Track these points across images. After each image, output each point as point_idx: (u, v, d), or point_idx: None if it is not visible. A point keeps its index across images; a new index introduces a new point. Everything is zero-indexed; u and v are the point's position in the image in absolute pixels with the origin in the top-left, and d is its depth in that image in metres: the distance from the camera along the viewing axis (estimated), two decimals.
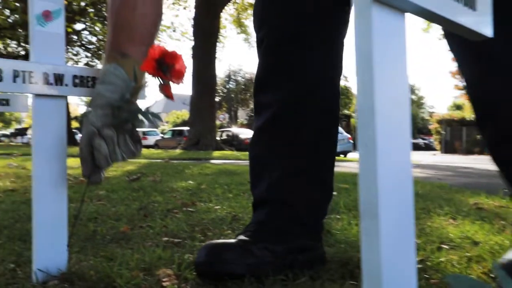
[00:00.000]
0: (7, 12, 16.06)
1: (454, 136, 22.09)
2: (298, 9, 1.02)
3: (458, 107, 37.94)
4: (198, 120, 12.77)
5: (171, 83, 0.86)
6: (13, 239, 1.26)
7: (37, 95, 0.94)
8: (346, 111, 33.56)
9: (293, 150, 1.03)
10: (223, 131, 19.83)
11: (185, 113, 29.99)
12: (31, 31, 0.94)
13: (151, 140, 21.00)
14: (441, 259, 1.06)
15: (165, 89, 0.85)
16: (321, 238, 1.06)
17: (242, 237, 0.97)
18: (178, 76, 0.84)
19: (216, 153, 10.16)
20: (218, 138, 14.90)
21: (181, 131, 20.28)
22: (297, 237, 0.99)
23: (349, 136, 16.71)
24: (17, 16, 15.48)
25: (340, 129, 16.72)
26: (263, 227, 0.99)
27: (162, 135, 22.57)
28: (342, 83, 36.69)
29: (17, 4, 14.92)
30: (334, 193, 2.38)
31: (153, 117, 0.88)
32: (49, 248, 0.93)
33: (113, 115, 0.86)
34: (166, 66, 0.82)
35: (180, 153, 9.93)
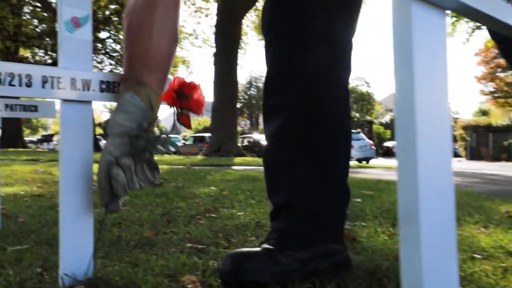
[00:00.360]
0: (35, 22, 16.53)
1: (480, 142, 21.61)
2: (305, 11, 1.01)
3: (484, 112, 37.11)
4: (220, 127, 12.83)
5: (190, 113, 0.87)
6: (40, 243, 1.27)
7: (65, 101, 0.95)
8: (368, 117, 33.21)
9: (307, 155, 1.01)
10: (244, 138, 19.87)
11: (206, 120, 30.19)
12: (59, 37, 0.95)
13: None
14: (475, 270, 1.03)
15: (183, 119, 0.85)
16: (344, 242, 1.04)
17: (266, 245, 0.95)
18: (197, 106, 0.84)
19: (238, 159, 10.18)
20: (239, 145, 14.93)
21: (203, 137, 20.39)
22: (319, 242, 0.97)
23: (371, 142, 16.51)
24: (44, 25, 15.92)
25: (362, 135, 16.53)
26: (285, 235, 0.98)
27: (183, 141, 22.75)
28: (364, 89, 36.35)
29: (45, 14, 15.36)
30: (358, 200, 2.36)
31: (171, 145, 0.88)
32: (75, 254, 0.93)
33: (131, 144, 0.86)
34: (185, 96, 0.83)
35: (201, 159, 9.98)
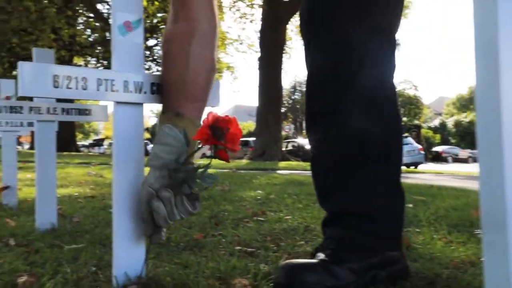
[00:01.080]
0: (88, 31, 17.31)
1: None
2: (344, 8, 0.96)
3: None
4: (264, 131, 12.86)
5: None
6: (94, 243, 1.31)
7: (118, 103, 0.97)
8: (416, 121, 32.28)
9: (359, 161, 0.96)
10: (288, 142, 19.81)
11: (251, 124, 30.38)
12: (113, 41, 0.97)
13: None
14: None
15: (220, 154, 0.82)
16: (401, 249, 0.99)
17: (321, 255, 0.92)
18: (233, 140, 0.81)
19: (282, 164, 10.15)
20: (283, 149, 14.90)
21: (247, 141, 20.52)
22: (379, 251, 0.93)
23: (420, 147, 16.01)
24: (96, 35, 16.62)
25: (411, 139, 16.07)
26: (343, 244, 0.94)
27: None
28: (412, 92, 35.35)
29: (97, 24, 16.05)
30: (410, 205, 2.27)
31: (209, 179, 0.86)
32: (128, 254, 0.94)
33: (170, 177, 0.86)
34: (220, 131, 0.79)
35: (246, 163, 10.02)
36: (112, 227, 0.94)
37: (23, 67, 0.84)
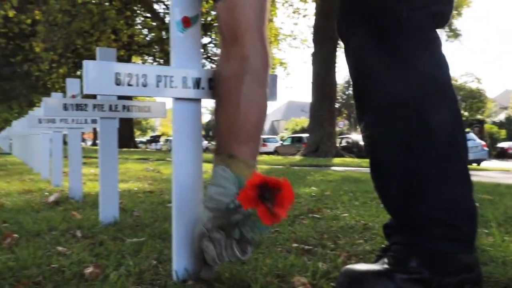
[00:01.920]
0: (145, 31, 17.91)
1: None
2: (383, 7, 0.90)
3: None
4: (318, 127, 12.71)
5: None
6: (154, 237, 1.34)
7: (177, 99, 0.98)
8: (479, 116, 30.68)
9: (431, 159, 0.88)
10: (342, 138, 19.48)
11: (304, 120, 30.17)
12: (171, 37, 0.97)
13: (270, 146, 21.52)
14: None
15: (263, 216, 0.74)
16: (475, 251, 0.91)
17: (387, 261, 0.87)
18: (283, 204, 0.73)
19: (337, 160, 9.98)
20: (337, 145, 14.67)
21: (300, 138, 20.40)
22: (453, 258, 0.87)
23: (483, 143, 15.19)
24: (153, 34, 17.15)
25: (473, 135, 15.30)
26: (413, 252, 0.87)
27: (281, 141, 22.99)
28: (474, 85, 33.59)
29: (154, 24, 16.56)
30: (476, 204, 2.13)
31: (259, 229, 0.83)
32: (187, 250, 0.95)
33: (223, 218, 0.85)
34: (269, 193, 0.74)
35: (300, 160, 9.97)
36: (172, 223, 0.95)
37: (87, 65, 0.87)
